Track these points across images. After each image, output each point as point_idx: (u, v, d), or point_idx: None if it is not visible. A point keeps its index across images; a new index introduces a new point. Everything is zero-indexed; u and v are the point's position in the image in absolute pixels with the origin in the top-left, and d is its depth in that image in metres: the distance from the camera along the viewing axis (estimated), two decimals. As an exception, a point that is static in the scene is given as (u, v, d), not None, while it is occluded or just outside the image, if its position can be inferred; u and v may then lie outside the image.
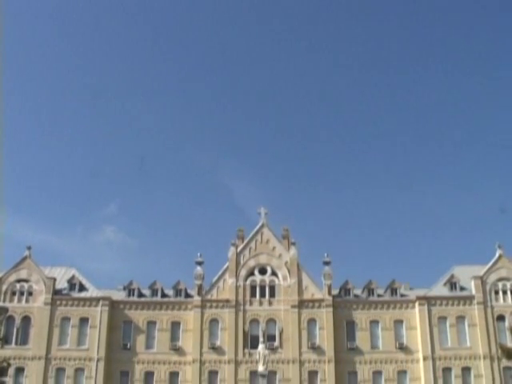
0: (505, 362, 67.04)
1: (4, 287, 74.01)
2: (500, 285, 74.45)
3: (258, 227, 77.61)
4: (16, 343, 71.76)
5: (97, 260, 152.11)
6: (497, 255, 76.07)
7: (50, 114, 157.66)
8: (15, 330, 72.23)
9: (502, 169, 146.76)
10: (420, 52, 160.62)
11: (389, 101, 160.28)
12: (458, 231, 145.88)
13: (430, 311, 73.19)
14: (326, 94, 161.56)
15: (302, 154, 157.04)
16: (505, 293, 74.24)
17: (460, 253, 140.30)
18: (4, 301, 72.06)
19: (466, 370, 71.23)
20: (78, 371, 71.29)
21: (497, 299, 73.89)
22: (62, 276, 77.37)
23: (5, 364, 53.96)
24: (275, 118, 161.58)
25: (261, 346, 51.85)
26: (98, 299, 73.99)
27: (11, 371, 67.27)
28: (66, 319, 73.26)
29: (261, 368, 49.89)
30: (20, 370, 70.88)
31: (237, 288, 74.46)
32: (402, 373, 71.87)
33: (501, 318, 72.88)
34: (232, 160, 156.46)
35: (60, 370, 71.30)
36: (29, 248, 76.78)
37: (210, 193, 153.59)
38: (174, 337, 73.48)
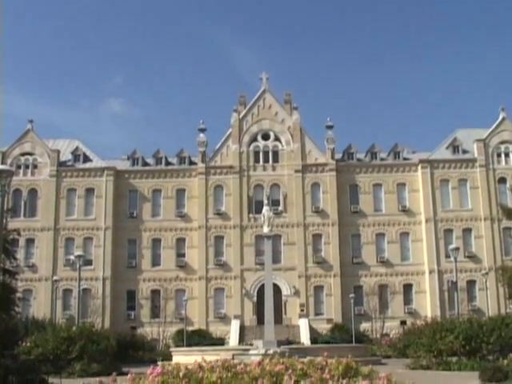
0: (505, 223, 68.12)
1: (9, 161, 73.82)
2: (502, 147, 74.46)
3: (259, 93, 76.60)
4: (24, 215, 72.83)
5: (100, 133, 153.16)
6: (500, 118, 75.71)
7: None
8: (23, 203, 73.19)
9: (507, 33, 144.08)
10: None
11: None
12: (461, 95, 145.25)
13: (432, 174, 73.52)
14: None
15: (302, 16, 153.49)
16: (507, 155, 74.46)
17: (463, 116, 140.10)
18: (10, 174, 72.17)
19: (466, 231, 72.53)
20: (87, 240, 72.68)
21: (499, 162, 74.13)
22: (65, 148, 77.30)
23: (15, 235, 54.95)
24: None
25: (265, 208, 50.72)
26: (102, 169, 74.35)
27: (22, 242, 69.10)
28: (72, 190, 73.90)
29: (266, 229, 49.13)
30: (30, 241, 72.35)
31: (240, 154, 74.35)
32: (404, 234, 73.18)
33: (502, 180, 73.41)
34: (231, 26, 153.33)
35: (69, 240, 72.61)
36: (31, 121, 76.46)
37: (210, 60, 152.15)
38: (180, 204, 74.24)
